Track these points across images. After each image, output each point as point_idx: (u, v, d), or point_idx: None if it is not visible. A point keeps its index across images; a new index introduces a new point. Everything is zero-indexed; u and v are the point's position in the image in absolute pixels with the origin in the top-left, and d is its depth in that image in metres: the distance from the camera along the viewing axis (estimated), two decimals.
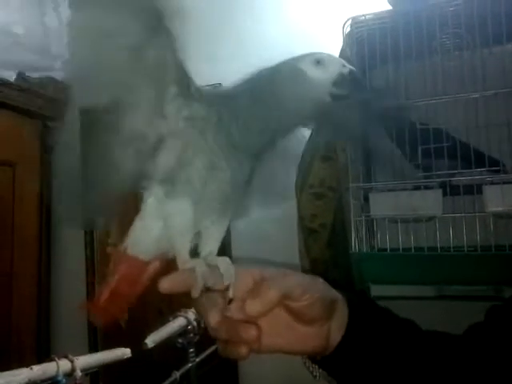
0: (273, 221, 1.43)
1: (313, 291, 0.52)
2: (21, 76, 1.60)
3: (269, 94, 0.49)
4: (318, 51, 0.50)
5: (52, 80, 1.74)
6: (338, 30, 1.17)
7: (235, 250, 1.58)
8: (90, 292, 1.74)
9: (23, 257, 1.72)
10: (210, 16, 1.60)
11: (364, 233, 1.07)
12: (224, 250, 1.67)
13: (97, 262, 1.75)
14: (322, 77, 0.49)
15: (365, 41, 1.07)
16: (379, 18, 1.05)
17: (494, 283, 0.95)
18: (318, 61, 0.49)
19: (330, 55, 0.50)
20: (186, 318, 1.69)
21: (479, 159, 1.05)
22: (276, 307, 0.51)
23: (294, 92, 0.49)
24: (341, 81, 0.48)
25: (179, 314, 1.70)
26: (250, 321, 0.50)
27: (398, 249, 1.07)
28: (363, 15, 1.07)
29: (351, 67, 0.48)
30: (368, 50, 1.06)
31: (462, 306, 1.02)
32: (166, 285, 0.50)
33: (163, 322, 1.66)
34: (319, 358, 0.56)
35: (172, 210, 0.50)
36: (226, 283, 0.50)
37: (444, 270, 0.98)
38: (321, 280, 0.55)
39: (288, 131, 0.53)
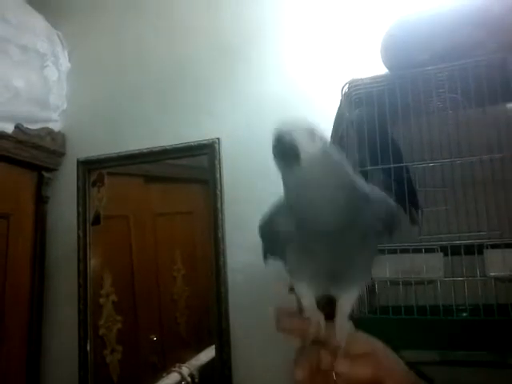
0: (271, 272, 1.41)
1: None
2: (18, 128, 1.61)
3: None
4: None
5: (49, 131, 1.75)
6: (335, 88, 1.19)
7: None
8: (82, 346, 1.70)
9: (15, 308, 1.68)
10: (210, 72, 1.63)
11: (365, 295, 1.05)
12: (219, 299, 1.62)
13: (89, 315, 1.72)
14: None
15: (362, 102, 1.09)
16: (376, 80, 1.08)
17: (498, 349, 0.94)
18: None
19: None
20: (180, 373, 1.66)
21: None
22: None
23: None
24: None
25: (173, 369, 1.66)
26: None
27: (400, 307, 1.06)
28: (361, 79, 1.10)
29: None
30: (366, 112, 1.08)
31: (466, 372, 1.00)
32: (286, 324, 0.54)
33: (156, 377, 1.63)
34: None
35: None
36: (338, 340, 0.50)
37: (447, 335, 0.97)
38: None
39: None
